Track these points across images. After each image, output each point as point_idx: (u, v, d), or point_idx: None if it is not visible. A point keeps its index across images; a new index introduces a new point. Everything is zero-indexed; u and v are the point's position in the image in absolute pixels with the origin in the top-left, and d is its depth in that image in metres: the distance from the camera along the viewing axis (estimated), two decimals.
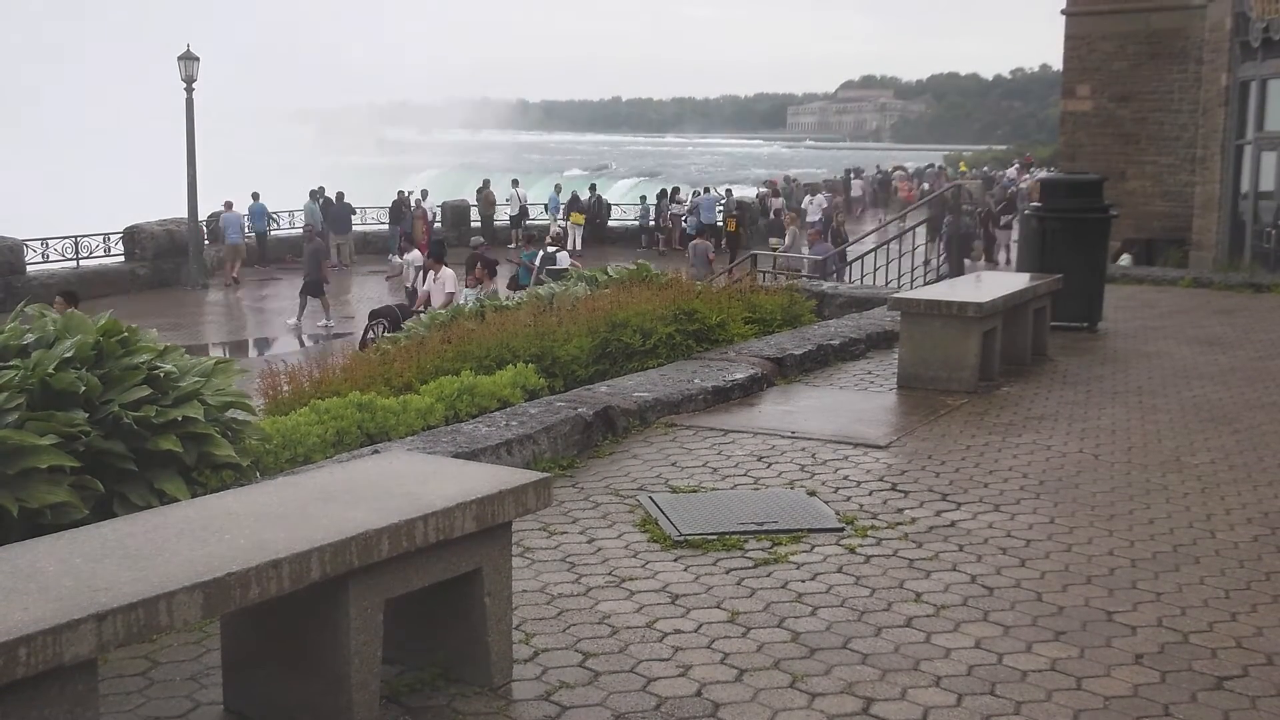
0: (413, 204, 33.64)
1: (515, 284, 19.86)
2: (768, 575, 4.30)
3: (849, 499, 5.26)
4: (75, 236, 27.07)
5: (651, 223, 35.64)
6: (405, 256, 22.01)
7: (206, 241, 29.81)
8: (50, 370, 4.30)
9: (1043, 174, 30.06)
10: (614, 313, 8.26)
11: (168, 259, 27.96)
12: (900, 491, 5.38)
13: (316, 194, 32.52)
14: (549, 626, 3.84)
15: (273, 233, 32.20)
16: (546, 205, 36.34)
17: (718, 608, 4.00)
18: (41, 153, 66.84)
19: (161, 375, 4.60)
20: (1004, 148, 78.05)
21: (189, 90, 28.44)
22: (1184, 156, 22.09)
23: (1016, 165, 50.39)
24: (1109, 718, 3.29)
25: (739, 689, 3.41)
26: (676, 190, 36.74)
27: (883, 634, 3.81)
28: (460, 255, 22.07)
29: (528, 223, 34.80)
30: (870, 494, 5.34)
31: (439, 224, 34.15)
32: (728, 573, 4.32)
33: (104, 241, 27.54)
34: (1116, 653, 3.69)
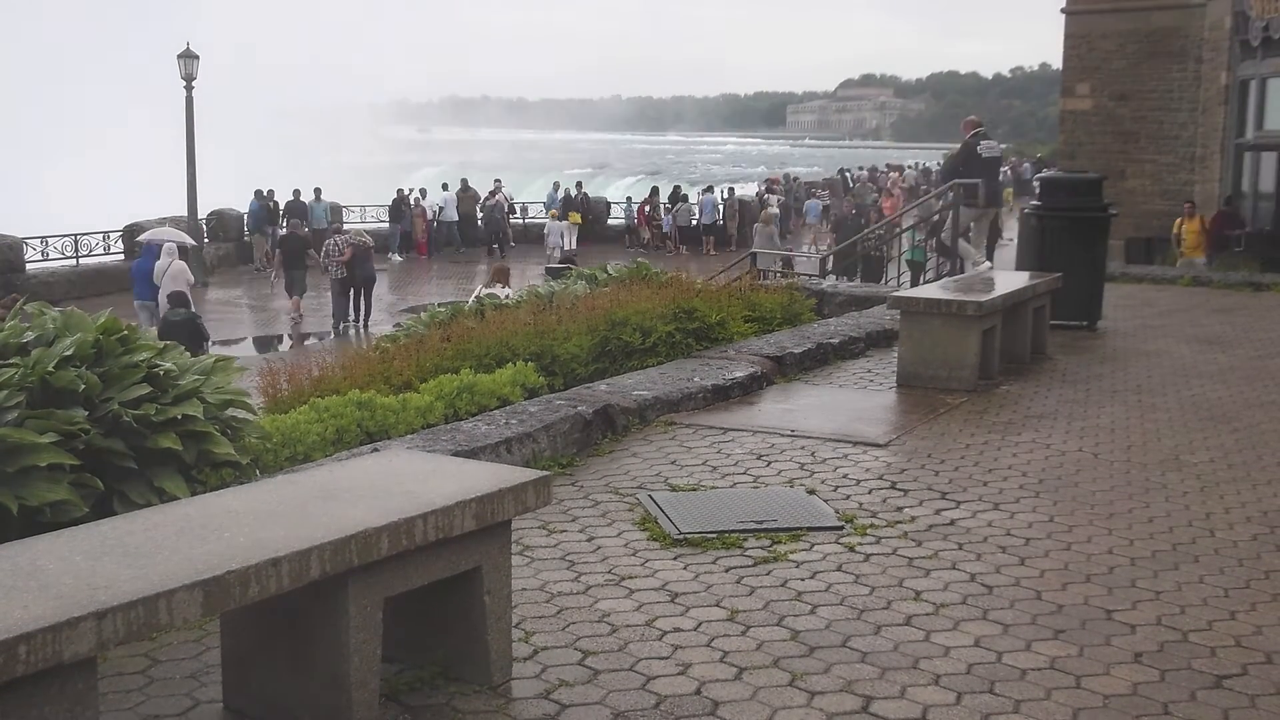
0: (412, 202, 33.62)
1: None
2: (767, 573, 4.30)
3: (848, 497, 5.26)
4: (75, 235, 27.06)
5: (634, 222, 35.49)
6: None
7: (206, 239, 29.80)
8: (50, 368, 4.29)
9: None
10: (614, 311, 8.26)
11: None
12: (900, 490, 5.38)
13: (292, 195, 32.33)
14: (548, 625, 3.84)
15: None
16: (546, 204, 36.26)
17: (717, 606, 4.00)
18: (41, 152, 66.80)
19: (161, 373, 4.60)
20: (1004, 146, 77.99)
21: (189, 89, 28.44)
22: (1183, 155, 22.11)
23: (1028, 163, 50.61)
24: (1108, 716, 3.29)
25: (738, 687, 3.41)
26: (677, 189, 36.60)
27: (882, 632, 3.81)
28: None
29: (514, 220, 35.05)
30: (870, 492, 5.34)
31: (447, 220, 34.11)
32: (727, 571, 4.33)
33: (104, 240, 27.53)
34: (1116, 651, 3.69)
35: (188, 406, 4.50)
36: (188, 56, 28.33)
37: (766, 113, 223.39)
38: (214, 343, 17.59)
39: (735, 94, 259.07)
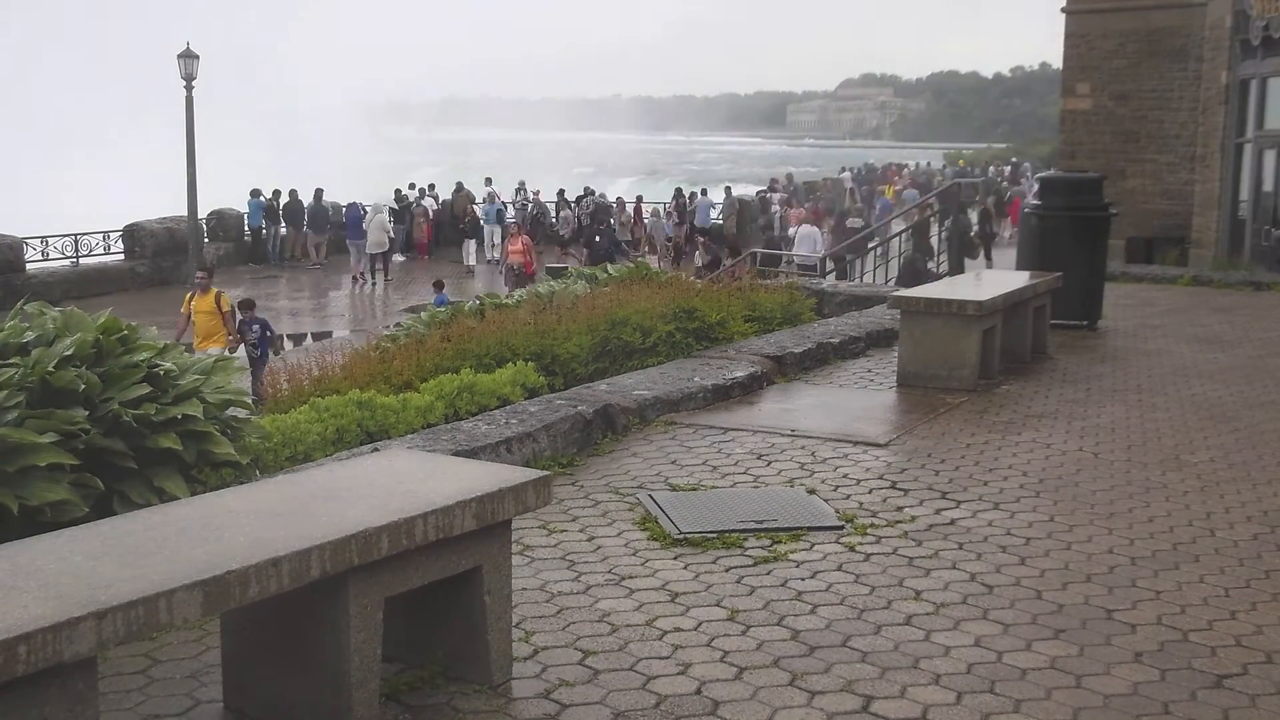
0: (412, 202, 33.53)
1: None
2: (767, 573, 4.30)
3: (849, 497, 5.26)
4: (75, 235, 27.06)
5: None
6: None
7: (206, 239, 29.80)
8: (50, 368, 4.29)
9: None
10: (614, 311, 8.26)
11: (168, 257, 27.94)
12: (900, 489, 5.38)
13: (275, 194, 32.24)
14: (549, 624, 3.84)
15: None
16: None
17: (717, 606, 4.00)
18: (41, 150, 66.81)
19: (161, 373, 4.60)
20: (1004, 146, 78.10)
21: (188, 88, 28.43)
22: (1184, 155, 22.10)
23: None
24: (1109, 716, 3.29)
25: (738, 687, 3.41)
26: (680, 192, 36.39)
27: (882, 632, 3.81)
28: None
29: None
30: (870, 492, 5.34)
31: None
32: (727, 571, 4.32)
33: (104, 240, 27.54)
34: (1116, 650, 3.69)
35: (188, 406, 4.50)
36: (188, 56, 28.32)
37: (766, 113, 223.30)
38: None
39: (735, 94, 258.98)
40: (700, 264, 24.06)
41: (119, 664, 3.50)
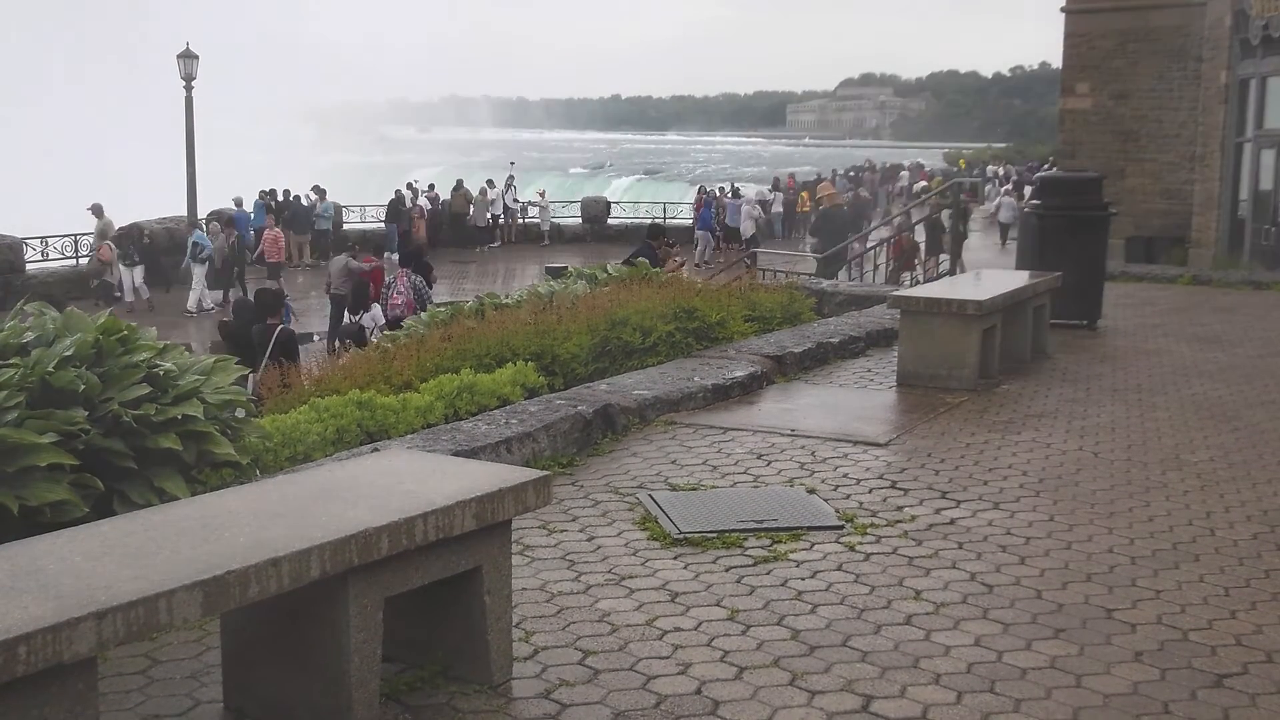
0: (409, 202, 33.37)
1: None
2: (767, 573, 4.30)
3: (849, 497, 5.26)
4: (75, 235, 27.05)
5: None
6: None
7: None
8: (50, 368, 4.29)
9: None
10: (614, 311, 8.26)
11: (167, 257, 27.92)
12: (900, 489, 5.38)
13: (267, 194, 32.16)
14: (549, 624, 3.84)
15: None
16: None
17: (717, 605, 4.00)
18: (40, 150, 66.82)
19: (161, 373, 4.59)
20: (1003, 145, 78.04)
21: (188, 89, 28.44)
22: (1183, 154, 22.10)
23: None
24: (1109, 715, 3.29)
25: (738, 687, 3.41)
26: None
27: (882, 631, 3.81)
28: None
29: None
30: (870, 492, 5.34)
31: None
32: (727, 570, 4.32)
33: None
34: (1116, 650, 3.69)
35: (188, 406, 4.50)
36: (187, 56, 28.34)
37: (766, 112, 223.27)
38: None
39: (735, 94, 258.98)
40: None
41: (119, 664, 3.50)
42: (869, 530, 4.80)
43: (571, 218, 37.49)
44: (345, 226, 34.04)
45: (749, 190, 37.63)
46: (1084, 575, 4.33)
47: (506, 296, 10.57)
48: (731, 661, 3.58)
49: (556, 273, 14.88)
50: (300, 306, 25.34)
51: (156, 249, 25.86)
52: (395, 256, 30.85)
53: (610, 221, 36.58)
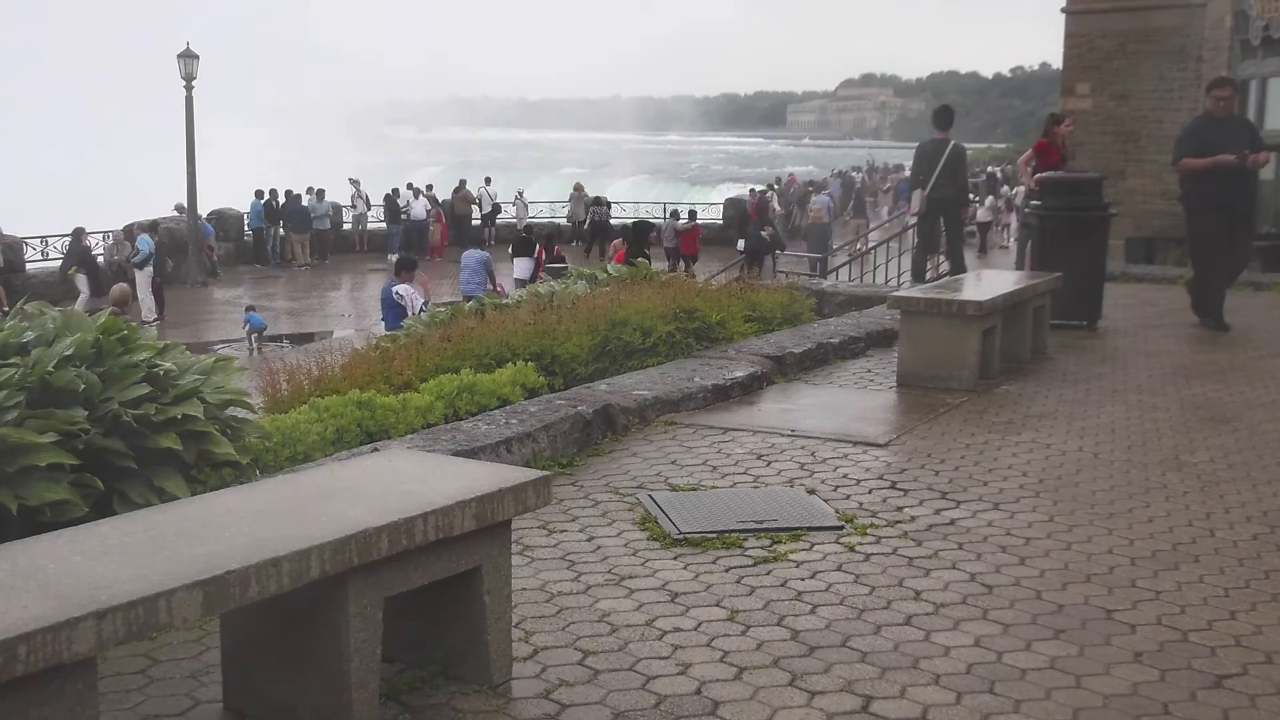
0: (416, 204, 32.94)
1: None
2: (767, 573, 4.30)
3: (849, 497, 5.26)
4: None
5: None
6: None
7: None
8: (50, 368, 4.29)
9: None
10: (614, 311, 8.26)
11: (167, 257, 27.93)
12: (900, 490, 5.38)
13: (260, 193, 32.11)
14: (548, 624, 3.84)
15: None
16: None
17: (717, 606, 4.00)
18: (40, 150, 66.81)
19: (161, 373, 4.60)
20: (1004, 145, 78.03)
21: (188, 88, 28.44)
22: None
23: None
24: (1108, 716, 3.29)
25: (738, 687, 3.41)
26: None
27: (882, 632, 3.81)
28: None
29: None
30: (870, 492, 5.34)
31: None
32: (727, 571, 4.32)
33: (103, 239, 27.53)
34: (1116, 651, 3.69)
35: (188, 406, 4.50)
36: (188, 56, 28.34)
37: (766, 112, 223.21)
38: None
39: (735, 94, 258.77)
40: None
41: (118, 664, 3.50)
42: (869, 531, 4.80)
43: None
44: (345, 226, 34.08)
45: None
46: (1084, 576, 4.33)
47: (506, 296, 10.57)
48: (731, 662, 3.58)
49: (556, 273, 14.89)
50: (299, 306, 25.40)
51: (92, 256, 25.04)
52: (394, 257, 30.84)
53: (610, 222, 36.58)
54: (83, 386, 4.30)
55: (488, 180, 37.68)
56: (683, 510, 4.96)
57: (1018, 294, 8.40)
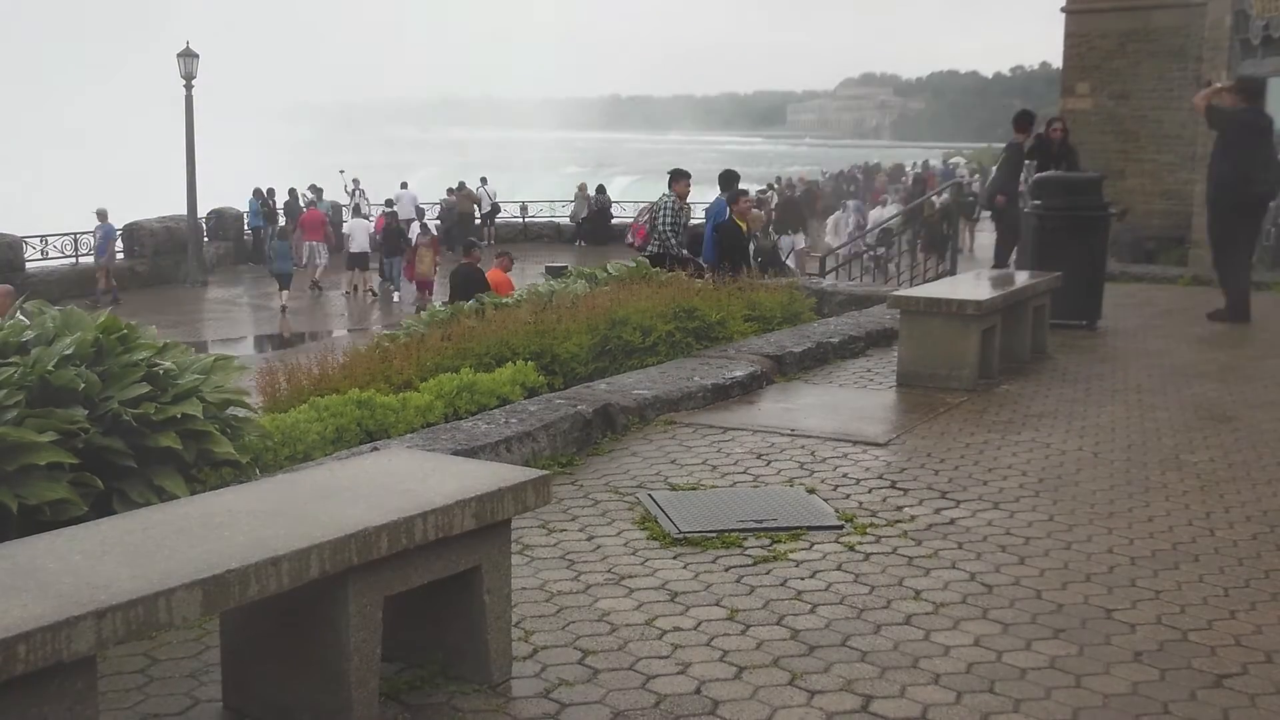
0: (408, 227, 31.73)
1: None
2: (767, 573, 4.30)
3: (848, 496, 5.26)
4: (75, 234, 27.07)
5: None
6: None
7: (206, 239, 29.80)
8: (50, 367, 4.29)
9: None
10: (614, 310, 8.26)
11: (167, 256, 27.97)
12: (900, 489, 5.38)
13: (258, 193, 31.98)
14: (548, 624, 3.84)
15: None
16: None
17: (717, 605, 4.00)
18: (40, 150, 66.80)
19: (161, 372, 4.60)
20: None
21: (188, 88, 28.44)
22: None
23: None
24: (1108, 715, 3.29)
25: (738, 686, 3.41)
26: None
27: (882, 631, 3.81)
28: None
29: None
30: (870, 491, 5.34)
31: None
32: (727, 570, 4.32)
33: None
34: (1116, 650, 3.69)
35: (187, 405, 4.50)
36: (187, 56, 28.34)
37: (767, 112, 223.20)
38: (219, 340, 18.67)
39: (735, 94, 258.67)
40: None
41: (118, 663, 3.50)
42: (869, 530, 4.80)
43: (567, 217, 37.56)
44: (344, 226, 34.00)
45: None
46: (1083, 575, 4.33)
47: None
48: (731, 661, 3.58)
49: (556, 272, 14.89)
50: (295, 306, 25.38)
51: None
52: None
53: (611, 223, 36.57)
54: (82, 385, 4.30)
55: (484, 180, 37.67)
56: (682, 510, 4.96)
57: (1018, 294, 8.40)
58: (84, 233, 27.10)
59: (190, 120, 28.42)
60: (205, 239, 29.73)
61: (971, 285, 8.84)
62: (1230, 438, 6.43)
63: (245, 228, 31.84)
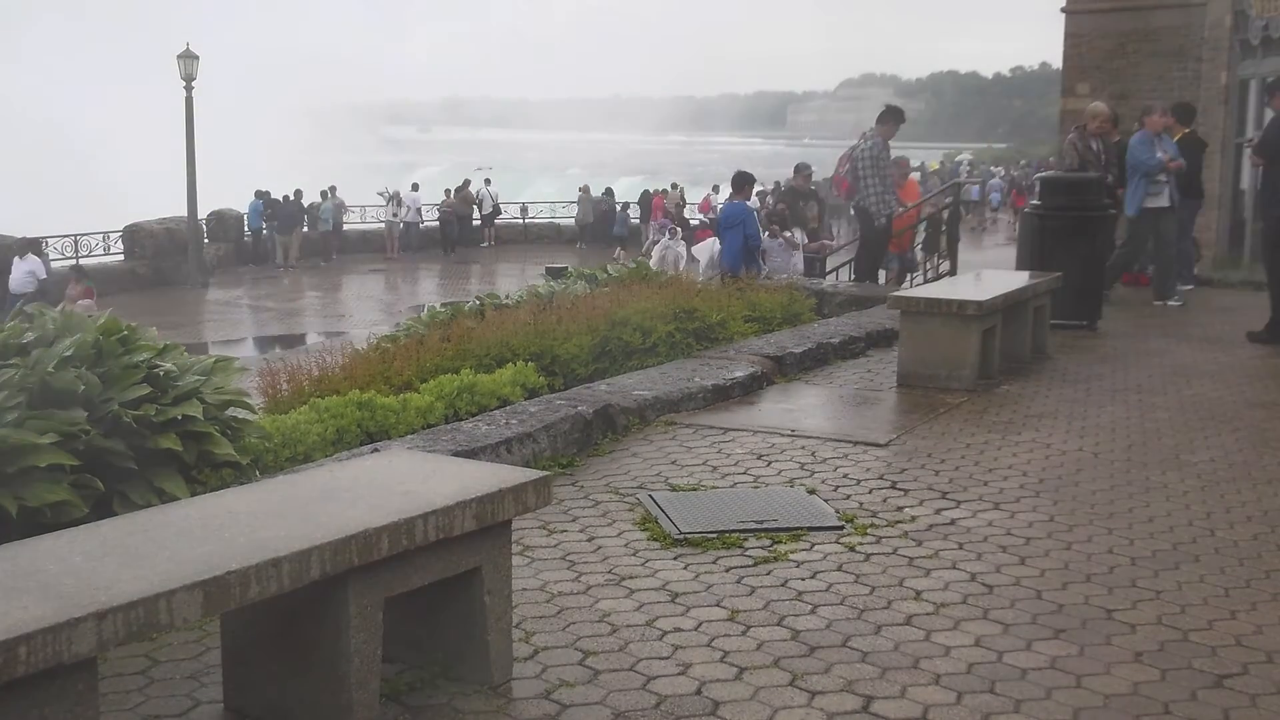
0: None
1: None
2: (767, 573, 4.30)
3: (849, 497, 5.26)
4: (75, 235, 27.08)
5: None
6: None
7: (206, 240, 29.80)
8: (50, 369, 4.29)
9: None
10: (614, 311, 8.26)
11: (167, 258, 27.98)
12: (900, 489, 5.38)
13: (262, 194, 32.00)
14: (549, 625, 3.84)
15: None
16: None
17: (717, 606, 4.00)
18: (40, 150, 66.82)
19: (161, 374, 4.60)
20: (1004, 145, 78.04)
21: (188, 89, 28.45)
22: None
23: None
24: (1109, 716, 3.29)
25: (738, 687, 3.41)
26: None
27: (882, 632, 3.81)
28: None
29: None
30: (870, 492, 5.34)
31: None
32: (727, 571, 4.32)
33: (104, 240, 27.57)
34: (1116, 650, 3.69)
35: (188, 407, 4.50)
36: (187, 57, 28.35)
37: (766, 113, 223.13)
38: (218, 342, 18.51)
39: (735, 94, 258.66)
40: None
41: (119, 664, 3.50)
42: (869, 530, 4.80)
43: (567, 218, 37.56)
44: (345, 227, 34.08)
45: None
46: (1084, 576, 4.33)
47: (506, 296, 10.57)
48: (732, 662, 3.58)
49: (556, 273, 14.90)
50: (290, 308, 25.40)
51: None
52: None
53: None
54: (83, 387, 4.30)
55: (488, 181, 37.70)
56: (683, 510, 4.96)
57: (1018, 294, 8.40)
58: (84, 234, 27.12)
59: (190, 121, 28.43)
60: (205, 240, 29.73)
61: (971, 285, 8.84)
62: (1230, 438, 6.43)
63: (245, 229, 31.83)
